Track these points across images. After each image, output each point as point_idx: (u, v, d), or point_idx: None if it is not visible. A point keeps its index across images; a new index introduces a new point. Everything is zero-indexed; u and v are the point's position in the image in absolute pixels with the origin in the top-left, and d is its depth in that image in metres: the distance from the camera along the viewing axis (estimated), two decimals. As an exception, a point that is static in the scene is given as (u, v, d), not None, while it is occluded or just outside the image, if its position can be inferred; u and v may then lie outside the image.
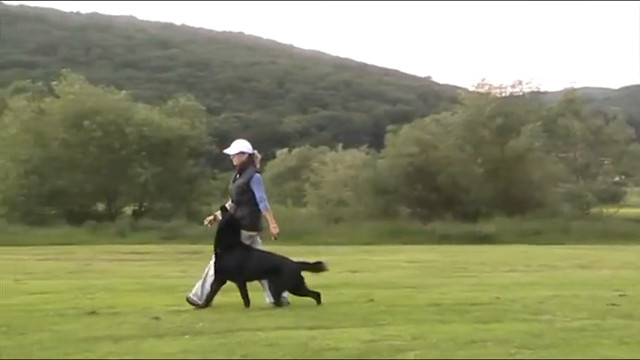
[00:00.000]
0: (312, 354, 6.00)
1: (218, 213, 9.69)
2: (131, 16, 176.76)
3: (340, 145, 49.65)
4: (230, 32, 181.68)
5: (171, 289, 11.87)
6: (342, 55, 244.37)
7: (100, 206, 38.30)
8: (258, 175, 9.68)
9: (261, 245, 9.76)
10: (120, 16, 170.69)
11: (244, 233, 9.51)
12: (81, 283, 13.23)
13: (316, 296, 9.51)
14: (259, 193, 9.53)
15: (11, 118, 37.14)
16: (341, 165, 45.17)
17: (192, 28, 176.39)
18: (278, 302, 9.24)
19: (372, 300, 10.05)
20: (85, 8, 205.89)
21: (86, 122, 35.25)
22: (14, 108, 37.79)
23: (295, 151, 63.29)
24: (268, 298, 9.44)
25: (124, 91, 40.12)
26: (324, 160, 47.72)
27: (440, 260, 20.94)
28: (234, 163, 9.81)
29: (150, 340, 6.74)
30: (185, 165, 38.84)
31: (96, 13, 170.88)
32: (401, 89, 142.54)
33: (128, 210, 38.97)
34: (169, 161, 37.91)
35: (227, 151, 9.89)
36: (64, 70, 39.88)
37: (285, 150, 64.59)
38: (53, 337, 7.01)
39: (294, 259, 9.73)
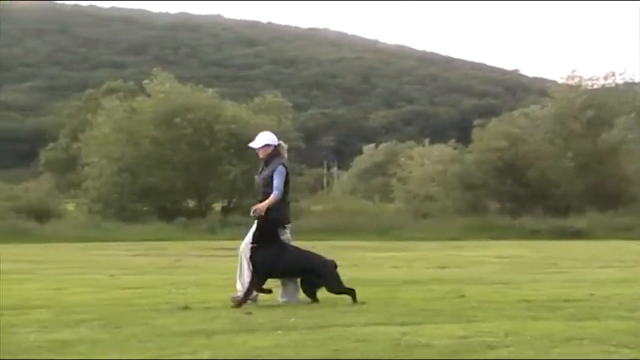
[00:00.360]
0: (404, 350, 5.96)
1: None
2: (218, 15, 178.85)
3: (427, 140, 49.31)
4: (315, 29, 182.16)
5: (262, 284, 11.97)
6: (428, 49, 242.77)
7: (191, 203, 38.91)
8: (282, 166, 9.50)
9: (290, 239, 9.69)
10: (207, 16, 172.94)
11: (283, 230, 9.50)
12: (173, 278, 13.47)
13: (352, 293, 9.36)
14: (277, 183, 9.36)
15: (104, 118, 38.06)
16: (428, 160, 44.87)
17: (278, 25, 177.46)
18: (315, 300, 9.21)
19: (462, 296, 9.95)
20: (173, 8, 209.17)
21: (177, 120, 35.84)
22: (107, 108, 38.72)
23: (382, 146, 63.12)
24: (281, 298, 9.40)
25: (211, 89, 40.66)
26: (411, 155, 47.48)
27: (530, 256, 20.61)
28: (261, 157, 9.70)
29: (242, 335, 6.81)
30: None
31: (184, 13, 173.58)
32: (488, 82, 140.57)
33: (217, 206, 39.47)
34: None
35: (252, 144, 9.78)
36: (154, 69, 40.66)
37: (372, 145, 64.45)
38: (148, 331, 7.15)
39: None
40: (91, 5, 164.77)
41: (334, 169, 72.33)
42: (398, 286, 11.61)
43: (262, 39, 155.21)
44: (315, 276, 9.26)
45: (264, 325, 7.35)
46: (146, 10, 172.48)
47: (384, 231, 31.88)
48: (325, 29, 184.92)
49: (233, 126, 37.46)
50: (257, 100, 41.67)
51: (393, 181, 46.50)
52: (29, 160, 75.13)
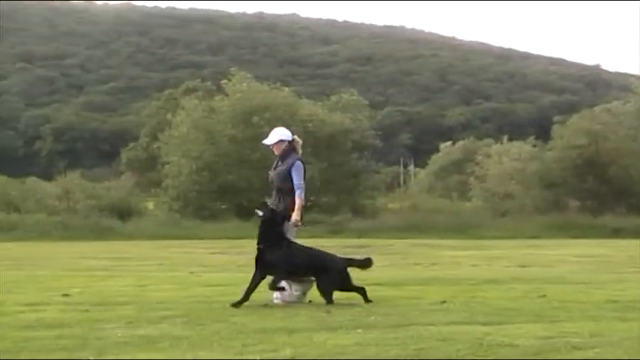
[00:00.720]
0: (486, 350, 5.89)
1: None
2: (294, 14, 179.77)
3: (505, 138, 48.65)
4: (391, 26, 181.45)
5: (340, 282, 11.98)
6: (505, 45, 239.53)
7: (268, 201, 39.11)
8: (300, 162, 9.43)
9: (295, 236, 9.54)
10: (283, 15, 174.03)
11: (288, 223, 9.33)
12: (251, 276, 13.53)
13: (362, 292, 9.26)
14: (298, 180, 9.32)
15: (183, 117, 38.60)
16: (507, 158, 44.25)
17: (354, 23, 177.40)
18: (330, 300, 9.03)
19: (544, 295, 9.79)
20: (250, 8, 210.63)
21: (255, 118, 36.13)
22: (186, 107, 39.27)
23: (459, 144, 62.51)
24: (276, 299, 9.25)
25: (287, 88, 40.88)
26: (489, 153, 46.90)
27: (613, 255, 20.17)
28: (276, 153, 9.61)
29: (323, 333, 6.83)
30: (349, 159, 39.12)
31: (261, 13, 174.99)
32: (567, 78, 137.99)
33: (295, 205, 39.64)
34: (334, 156, 38.28)
35: (266, 141, 9.71)
36: (232, 69, 41.06)
37: (449, 143, 63.89)
38: (231, 328, 7.23)
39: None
40: (169, 7, 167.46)
41: (411, 167, 72.01)
42: (478, 285, 11.50)
43: (338, 37, 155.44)
44: (325, 275, 9.11)
45: (345, 324, 7.35)
46: (224, 11, 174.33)
47: (462, 229, 31.60)
48: (401, 26, 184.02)
49: (309, 125, 37.57)
50: (333, 98, 41.70)
51: (471, 179, 46.02)
52: (111, 160, 76.81)
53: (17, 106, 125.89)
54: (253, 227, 31.70)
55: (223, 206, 37.56)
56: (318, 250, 9.51)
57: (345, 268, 9.32)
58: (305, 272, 9.25)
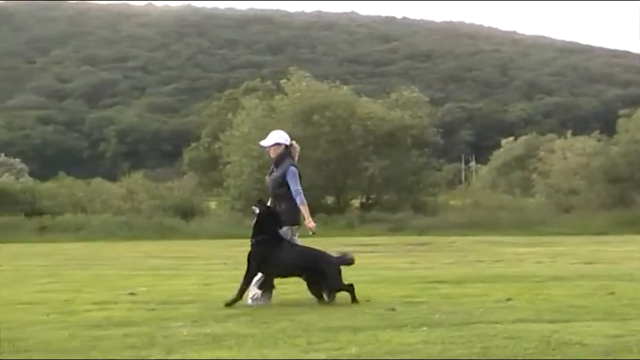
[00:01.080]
0: (555, 348, 5.80)
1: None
2: (353, 12, 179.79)
3: (569, 132, 47.88)
4: (451, 22, 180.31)
5: (403, 280, 11.96)
6: (568, 38, 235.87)
7: (329, 199, 39.19)
8: (293, 167, 9.25)
9: (298, 240, 9.42)
10: (342, 13, 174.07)
11: (288, 228, 9.19)
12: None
13: (351, 289, 9.16)
14: (295, 186, 9.15)
15: (244, 117, 38.85)
16: (570, 153, 43.54)
17: (413, 20, 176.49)
18: (332, 300, 8.96)
19: (612, 293, 9.61)
20: (309, 7, 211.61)
21: (315, 117, 36.19)
22: (246, 107, 39.52)
23: (521, 139, 61.71)
24: (250, 300, 9.05)
25: (345, 87, 40.81)
26: (552, 149, 46.21)
27: (684, 251, 19.69)
28: (272, 156, 9.46)
29: (388, 331, 6.80)
30: (410, 156, 38.93)
31: (319, 12, 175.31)
32: (632, 71, 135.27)
33: (356, 202, 39.62)
34: (394, 153, 38.14)
35: (262, 143, 9.59)
36: (291, 68, 41.19)
37: (511, 139, 63.14)
38: (295, 326, 7.25)
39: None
40: (229, 7, 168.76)
41: (472, 164, 71.33)
42: (543, 282, 11.33)
43: (397, 34, 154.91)
44: (319, 274, 9.00)
45: (409, 322, 7.31)
46: (283, 10, 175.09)
47: (525, 226, 31.22)
48: (461, 22, 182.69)
49: (369, 122, 37.52)
50: (393, 95, 41.53)
51: (534, 175, 45.40)
52: (173, 160, 77.77)
53: (81, 108, 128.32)
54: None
55: (283, 204, 37.71)
56: (315, 250, 9.35)
57: (339, 267, 9.24)
58: (300, 272, 9.17)
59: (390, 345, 6.18)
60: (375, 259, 17.66)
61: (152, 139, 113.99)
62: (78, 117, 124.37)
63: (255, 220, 9.19)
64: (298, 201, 9.15)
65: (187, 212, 35.14)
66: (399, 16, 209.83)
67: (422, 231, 30.57)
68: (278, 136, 9.49)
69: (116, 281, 12.44)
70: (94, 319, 7.97)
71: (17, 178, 41.30)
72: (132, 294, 10.19)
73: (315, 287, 9.11)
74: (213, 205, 40.63)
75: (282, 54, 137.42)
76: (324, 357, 5.77)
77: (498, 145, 63.66)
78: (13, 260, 18.35)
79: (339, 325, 7.21)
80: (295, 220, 9.29)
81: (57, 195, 37.62)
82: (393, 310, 8.27)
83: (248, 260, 9.11)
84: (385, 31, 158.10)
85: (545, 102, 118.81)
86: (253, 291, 9.13)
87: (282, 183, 9.18)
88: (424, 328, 6.90)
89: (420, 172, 39.45)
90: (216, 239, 28.61)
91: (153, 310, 8.62)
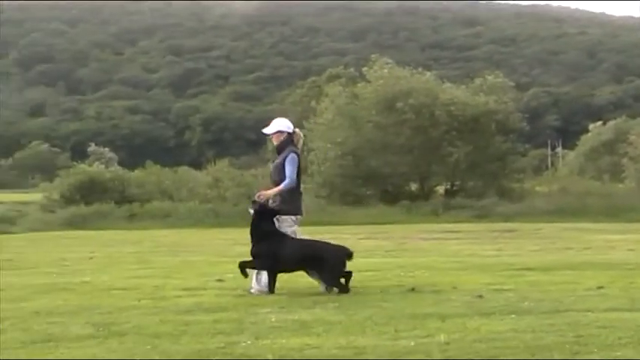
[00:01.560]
0: (652, 338, 5.68)
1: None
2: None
3: (661, 116, 46.53)
4: (536, 5, 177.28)
5: (489, 267, 11.83)
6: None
7: (413, 186, 38.99)
8: (294, 154, 9.08)
9: (300, 231, 9.30)
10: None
11: (287, 218, 9.08)
12: (400, 261, 13.56)
13: (348, 276, 8.94)
14: (289, 171, 8.96)
15: (327, 104, 38.90)
16: (663, 137, 42.29)
17: (498, 4, 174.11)
18: (334, 285, 8.78)
19: None
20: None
21: (399, 104, 36.03)
22: (330, 94, 39.56)
23: (610, 124, 60.22)
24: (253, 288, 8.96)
25: (428, 73, 40.46)
26: (643, 133, 44.93)
27: None
28: (275, 144, 9.35)
29: (476, 319, 6.76)
30: (494, 142, 38.39)
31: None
32: None
33: (440, 189, 39.31)
34: (478, 139, 37.64)
35: (265, 130, 9.45)
36: (373, 55, 41.03)
37: (599, 123, 61.67)
38: (382, 313, 7.26)
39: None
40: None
41: (559, 149, 70.08)
42: (636, 269, 11.04)
43: (481, 19, 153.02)
44: (318, 263, 8.85)
45: (498, 309, 7.25)
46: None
47: (615, 212, 30.43)
48: (546, 4, 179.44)
49: (452, 108, 37.13)
50: (477, 81, 40.99)
51: (624, 159, 44.28)
52: (257, 148, 78.48)
53: (167, 98, 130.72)
54: (399, 212, 31.70)
55: (368, 192, 37.67)
56: (313, 241, 9.25)
57: (344, 256, 9.02)
58: (299, 265, 9.06)
59: (479, 333, 6.13)
60: (460, 246, 17.52)
61: (236, 128, 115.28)
62: (164, 106, 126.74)
63: (252, 221, 9.14)
64: (285, 182, 8.97)
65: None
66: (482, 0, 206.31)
67: (507, 218, 30.11)
68: (280, 124, 9.39)
69: (204, 268, 12.64)
70: (184, 304, 8.12)
71: (107, 167, 42.22)
72: (220, 280, 10.34)
73: (318, 276, 9.02)
74: (297, 192, 40.83)
75: (365, 41, 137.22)
76: (412, 344, 5.76)
77: (586, 130, 62.24)
78: (105, 247, 18.82)
79: (426, 313, 7.19)
80: (297, 209, 9.25)
81: (145, 183, 38.36)
82: (480, 297, 8.20)
83: (253, 256, 9.06)
84: (469, 16, 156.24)
85: (635, 84, 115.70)
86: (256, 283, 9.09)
87: (283, 170, 9.10)
88: (513, 316, 6.83)
89: (505, 158, 38.85)
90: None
91: (241, 296, 8.73)
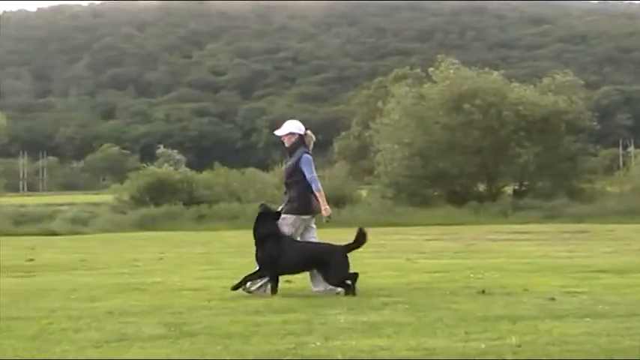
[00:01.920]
0: None
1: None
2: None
3: None
4: (606, 2, 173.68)
5: (561, 269, 11.65)
6: None
7: (481, 187, 38.65)
8: (307, 155, 9.17)
9: (315, 230, 9.31)
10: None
11: (296, 217, 9.09)
12: (469, 262, 13.44)
13: (354, 277, 8.95)
14: (309, 174, 9.07)
15: (394, 105, 38.81)
16: None
17: (566, 1, 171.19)
18: (339, 286, 8.83)
19: None
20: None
21: (466, 105, 35.74)
22: (396, 95, 39.46)
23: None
24: (315, 287, 9.01)
25: (495, 72, 40.01)
26: None
27: None
28: (286, 145, 9.38)
29: (548, 321, 6.67)
30: (564, 142, 37.82)
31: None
32: None
33: (508, 190, 38.89)
34: (548, 139, 37.12)
35: (277, 132, 9.52)
36: (439, 55, 40.80)
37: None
38: (452, 315, 7.21)
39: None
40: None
41: (631, 148, 68.57)
42: None
43: (549, 17, 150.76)
44: (321, 266, 8.86)
45: (571, 312, 7.14)
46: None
47: None
48: (616, 1, 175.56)
49: (520, 108, 36.68)
50: (546, 80, 40.43)
51: None
52: (324, 149, 78.71)
53: (234, 100, 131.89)
54: (466, 213, 31.46)
55: (435, 192, 37.47)
56: (315, 244, 9.28)
57: (345, 255, 9.05)
58: (301, 267, 9.10)
59: (551, 335, 6.04)
60: (530, 248, 17.29)
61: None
62: (231, 108, 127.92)
63: (254, 223, 9.23)
64: (314, 187, 9.16)
65: (338, 201, 35.36)
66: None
67: (578, 219, 29.60)
68: (292, 126, 9.52)
69: (273, 269, 12.68)
70: (254, 305, 8.17)
71: (175, 169, 42.77)
72: (288, 281, 10.36)
73: (324, 279, 8.99)
74: (364, 193, 40.82)
75: (431, 41, 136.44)
76: (483, 346, 5.71)
77: (659, 129, 60.90)
78: (174, 248, 19.08)
79: (497, 315, 7.12)
80: (307, 209, 9.26)
81: (213, 184, 38.73)
82: (552, 299, 8.09)
83: (257, 259, 9.14)
84: (536, 14, 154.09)
85: None
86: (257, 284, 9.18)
87: (295, 171, 9.24)
88: (587, 319, 6.71)
89: (575, 158, 38.25)
90: (368, 227, 28.59)
91: (309, 297, 8.76)
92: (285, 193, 9.40)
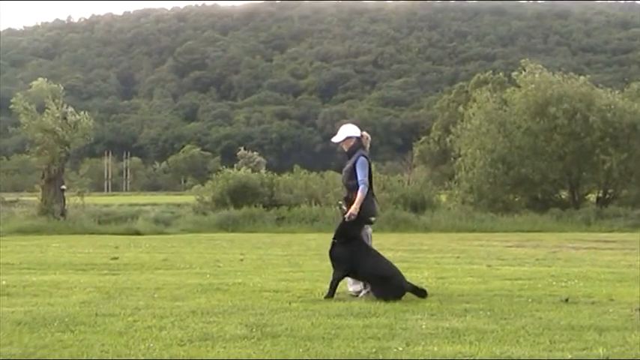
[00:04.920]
0: None
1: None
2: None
3: None
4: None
5: (648, 280, 11.34)
6: None
7: (563, 194, 37.99)
8: (363, 157, 9.27)
9: (371, 234, 9.45)
10: (578, 1, 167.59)
11: (359, 219, 9.18)
12: (552, 270, 13.20)
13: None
14: (361, 176, 9.16)
15: (475, 110, 38.43)
16: None
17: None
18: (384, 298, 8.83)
19: None
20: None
21: (552, 109, 35.14)
22: (478, 100, 39.06)
23: None
24: (352, 287, 9.25)
25: (582, 77, 39.24)
26: None
27: None
28: (344, 150, 9.47)
29: (637, 333, 6.51)
30: (653, 150, 36.80)
31: (553, 1, 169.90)
32: None
33: (592, 197, 38.12)
34: (635, 147, 36.22)
35: (334, 139, 9.63)
36: (522, 60, 40.23)
37: None
38: (536, 323, 7.10)
39: None
40: (459, 0, 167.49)
41: None
42: None
43: (637, 20, 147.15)
44: (382, 283, 8.97)
45: (662, 324, 6.95)
46: (515, 1, 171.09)
47: None
48: None
49: (608, 114, 35.88)
50: (634, 85, 39.51)
51: None
52: (404, 153, 78.48)
53: (315, 103, 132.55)
54: (549, 220, 30.85)
55: (517, 199, 36.97)
56: (385, 260, 9.40)
57: (402, 284, 9.16)
58: (364, 276, 9.17)
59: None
60: (615, 257, 16.88)
61: (383, 133, 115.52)
62: (312, 112, 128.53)
63: (341, 220, 9.34)
64: (360, 188, 9.23)
65: (418, 205, 35.23)
66: (638, 0, 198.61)
67: (669, 228, 28.84)
68: (348, 131, 9.64)
69: (352, 272, 12.68)
70: (335, 308, 8.19)
71: (255, 171, 43.16)
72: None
73: (380, 290, 9.04)
74: (443, 198, 40.53)
75: (514, 45, 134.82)
76: (569, 356, 5.61)
77: None
78: (255, 249, 19.23)
79: (583, 324, 6.98)
80: (369, 211, 9.40)
81: (293, 187, 38.96)
82: (639, 310, 7.88)
83: (333, 258, 9.28)
84: (624, 18, 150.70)
85: None
86: (354, 286, 9.36)
87: (354, 174, 9.36)
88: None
89: (662, 166, 37.18)
90: (448, 232, 28.51)
91: (391, 301, 8.73)
92: (346, 196, 9.47)
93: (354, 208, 9.18)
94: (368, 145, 9.78)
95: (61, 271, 12.67)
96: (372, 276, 9.12)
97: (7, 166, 79.90)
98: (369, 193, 9.38)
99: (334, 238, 9.38)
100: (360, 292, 9.29)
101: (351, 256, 9.10)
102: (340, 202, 9.61)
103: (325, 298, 9.06)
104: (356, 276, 9.29)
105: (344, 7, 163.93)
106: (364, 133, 9.76)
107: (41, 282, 10.85)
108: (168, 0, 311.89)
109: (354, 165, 9.38)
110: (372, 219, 9.61)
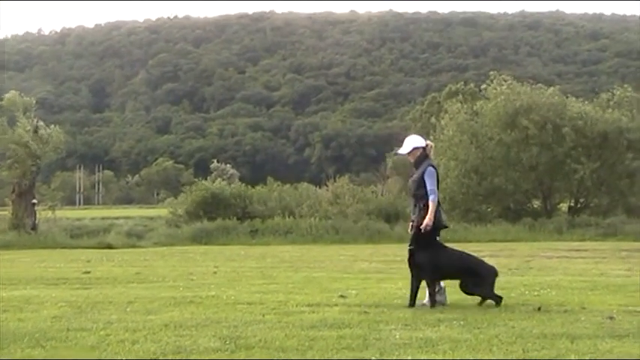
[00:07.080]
0: None
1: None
2: (558, 11, 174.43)
3: None
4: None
5: (619, 288, 11.45)
6: None
7: (536, 203, 38.22)
8: (431, 167, 9.40)
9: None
10: (547, 12, 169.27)
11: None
12: (525, 279, 13.27)
13: (499, 300, 9.25)
14: (430, 186, 9.28)
15: (447, 121, 38.59)
16: None
17: (624, 16, 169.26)
18: (496, 299, 9.13)
19: None
20: (512, 8, 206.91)
21: (523, 120, 35.37)
22: (450, 111, 39.23)
23: None
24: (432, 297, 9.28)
25: (551, 87, 39.54)
26: None
27: None
28: (411, 161, 9.63)
29: (608, 341, 6.55)
30: (624, 159, 37.17)
31: (524, 11, 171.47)
32: None
33: (564, 207, 38.38)
34: (606, 156, 36.56)
35: (400, 151, 9.78)
36: (491, 72, 40.46)
37: None
38: (509, 332, 7.13)
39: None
40: (431, 11, 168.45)
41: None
42: None
43: (606, 32, 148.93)
44: (474, 279, 9.21)
45: (631, 332, 7.00)
46: (485, 12, 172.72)
47: None
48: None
49: (580, 122, 36.18)
50: (604, 95, 39.86)
51: None
52: (377, 164, 78.66)
53: (288, 115, 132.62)
54: (521, 230, 31.01)
55: (490, 209, 37.15)
56: (467, 254, 9.65)
57: (495, 275, 9.38)
58: (452, 274, 9.37)
59: (612, 355, 5.95)
60: (586, 265, 17.02)
61: (356, 144, 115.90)
62: (285, 123, 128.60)
63: (416, 228, 9.38)
64: (430, 198, 9.31)
65: (392, 216, 35.31)
66: (607, 12, 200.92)
67: (637, 236, 29.09)
68: (413, 142, 9.77)
69: (326, 284, 12.69)
70: (308, 320, 8.17)
71: (229, 184, 43.04)
72: (342, 296, 10.36)
73: (467, 289, 9.36)
74: (416, 209, 40.60)
75: (485, 56, 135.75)
76: (541, 365, 5.63)
77: None
78: (228, 262, 19.18)
79: (555, 332, 7.02)
80: (438, 220, 9.41)
81: (267, 199, 38.89)
82: (611, 318, 7.95)
83: (415, 266, 9.36)
84: (593, 29, 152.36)
85: None
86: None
87: (422, 183, 9.45)
88: (648, 339, 6.58)
89: (633, 175, 37.58)
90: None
91: (364, 312, 8.73)
92: (415, 205, 9.57)
93: (428, 219, 9.23)
94: (432, 153, 9.88)
95: (32, 286, 12.54)
96: (462, 270, 9.32)
97: (-22, 180, 79.03)
98: (437, 203, 9.47)
99: (410, 245, 9.46)
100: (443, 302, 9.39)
101: (434, 259, 9.23)
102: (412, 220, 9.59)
103: (409, 306, 9.15)
104: (443, 276, 9.40)
105: (316, 19, 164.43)
106: (429, 142, 9.88)
107: (11, 297, 10.74)
108: (141, 12, 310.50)
109: (422, 175, 9.46)
110: (442, 227, 9.65)
